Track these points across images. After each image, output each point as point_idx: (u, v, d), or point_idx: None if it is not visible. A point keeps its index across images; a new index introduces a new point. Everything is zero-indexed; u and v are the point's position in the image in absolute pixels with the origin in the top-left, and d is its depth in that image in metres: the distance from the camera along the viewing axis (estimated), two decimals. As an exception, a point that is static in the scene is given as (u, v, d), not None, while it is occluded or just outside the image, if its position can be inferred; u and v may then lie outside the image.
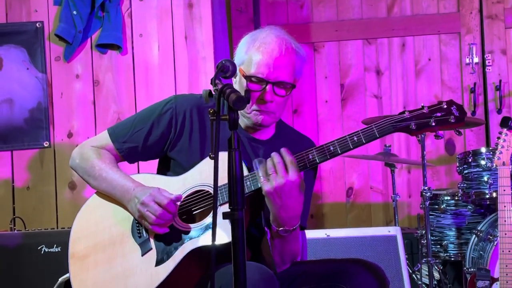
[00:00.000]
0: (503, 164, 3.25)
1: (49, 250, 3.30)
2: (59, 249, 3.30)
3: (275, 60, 2.14)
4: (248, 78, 2.14)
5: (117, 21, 4.01)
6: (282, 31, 2.22)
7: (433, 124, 1.97)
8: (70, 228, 2.24)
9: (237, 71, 2.18)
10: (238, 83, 2.21)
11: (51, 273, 3.10)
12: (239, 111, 2.17)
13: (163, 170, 2.31)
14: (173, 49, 4.06)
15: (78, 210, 2.27)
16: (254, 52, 2.16)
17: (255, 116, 2.17)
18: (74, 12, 3.97)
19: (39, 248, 3.30)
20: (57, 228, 3.93)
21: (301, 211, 2.03)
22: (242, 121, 2.25)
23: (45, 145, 4.05)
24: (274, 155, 1.99)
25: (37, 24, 4.07)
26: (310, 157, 2.02)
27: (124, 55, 4.07)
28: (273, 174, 1.95)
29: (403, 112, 2.01)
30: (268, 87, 2.13)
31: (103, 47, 4.05)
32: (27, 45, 4.06)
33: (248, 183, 2.04)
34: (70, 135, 4.06)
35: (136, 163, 2.49)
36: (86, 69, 4.07)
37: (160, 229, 2.06)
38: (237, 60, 2.22)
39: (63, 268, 2.72)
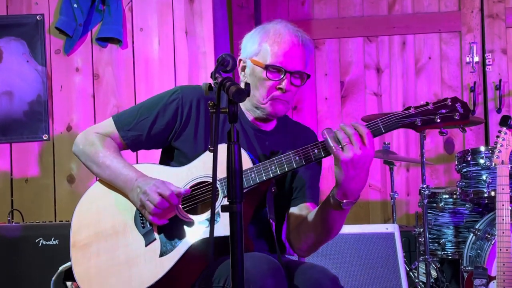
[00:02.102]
0: (502, 163, 3.24)
1: (47, 243, 3.30)
2: (56, 242, 3.30)
3: (292, 50, 2.18)
4: (267, 67, 2.17)
5: (118, 14, 4.01)
6: (291, 24, 2.24)
7: (438, 120, 1.98)
8: (68, 221, 2.23)
9: (247, 62, 2.23)
10: (250, 75, 2.23)
11: (49, 266, 3.11)
12: (252, 103, 2.21)
13: (166, 159, 2.31)
14: (173, 43, 4.06)
15: (76, 203, 2.26)
16: (271, 43, 2.19)
17: (271, 106, 2.20)
18: (75, 5, 3.96)
19: (36, 240, 3.30)
20: (55, 221, 3.93)
21: (365, 185, 2.01)
22: (252, 113, 2.27)
23: (44, 138, 4.04)
24: (345, 126, 1.94)
25: (37, 17, 4.06)
26: (316, 151, 2.02)
27: (124, 49, 4.06)
28: (349, 145, 1.91)
29: (408, 108, 2.01)
30: (286, 76, 2.16)
31: (103, 40, 4.04)
32: (27, 37, 4.06)
33: (253, 175, 2.04)
34: (69, 128, 4.06)
35: (134, 152, 2.48)
36: (86, 62, 4.07)
37: (159, 220, 2.05)
38: (247, 52, 2.25)
39: (60, 261, 2.73)
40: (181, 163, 2.21)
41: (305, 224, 2.17)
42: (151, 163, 2.26)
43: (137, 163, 2.26)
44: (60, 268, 2.45)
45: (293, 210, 2.28)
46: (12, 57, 4.07)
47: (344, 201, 1.99)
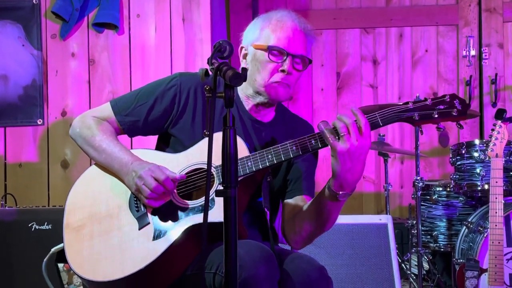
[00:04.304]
0: (496, 156, 3.25)
1: (40, 227, 3.30)
2: (49, 226, 3.30)
3: (294, 35, 2.18)
4: (269, 48, 2.17)
5: (115, 0, 3.99)
6: (293, 12, 2.25)
7: (436, 116, 1.99)
8: (62, 206, 2.23)
9: (249, 49, 2.23)
10: (252, 60, 2.22)
11: (41, 250, 3.10)
12: (254, 89, 2.21)
13: (162, 146, 2.31)
14: (170, 30, 4.04)
15: (70, 188, 2.26)
16: (273, 28, 2.19)
17: (273, 88, 2.19)
18: (72, -10, 3.95)
19: (29, 225, 3.30)
20: (49, 206, 3.93)
21: (361, 176, 2.02)
22: (252, 100, 2.26)
23: (39, 123, 4.03)
24: (343, 116, 1.94)
25: (33, 1, 4.04)
26: (313, 142, 2.02)
27: (120, 35, 4.05)
28: (346, 135, 1.90)
29: (406, 103, 2.02)
30: (288, 58, 2.17)
31: (99, 26, 4.03)
32: (23, 21, 4.04)
33: (249, 163, 2.04)
34: (64, 113, 4.05)
35: (129, 138, 2.48)
36: (82, 47, 4.05)
37: (155, 203, 2.06)
38: (248, 39, 2.25)
39: (53, 245, 2.72)
40: (177, 151, 2.21)
41: (300, 216, 2.18)
42: (148, 149, 2.26)
43: (131, 148, 2.24)
44: (52, 250, 2.44)
45: (289, 202, 2.29)
46: (7, 40, 4.05)
47: (340, 192, 1.99)
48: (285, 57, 2.16)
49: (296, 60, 2.19)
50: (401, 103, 2.03)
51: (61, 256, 2.17)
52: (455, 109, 1.99)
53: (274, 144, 2.20)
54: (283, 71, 2.17)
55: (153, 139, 2.41)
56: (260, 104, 2.26)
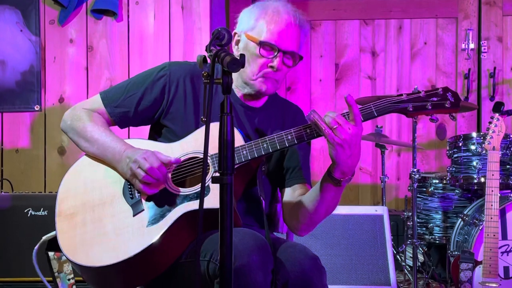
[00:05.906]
0: (493, 149, 3.26)
1: (36, 213, 3.30)
2: (45, 212, 3.30)
3: (288, 30, 2.18)
4: (261, 44, 2.17)
5: (114, -13, 3.98)
6: (290, 4, 2.24)
7: (429, 107, 2.04)
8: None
9: (242, 37, 2.22)
10: (243, 49, 2.23)
11: (37, 236, 3.10)
12: (242, 79, 2.20)
13: (154, 136, 2.30)
14: (169, 18, 4.03)
15: (66, 175, 2.27)
16: (267, 20, 2.19)
17: (260, 83, 2.21)
18: (71, -24, 3.93)
19: (25, 211, 3.30)
20: (45, 192, 3.93)
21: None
22: (241, 90, 2.26)
23: (36, 109, 4.03)
24: (328, 113, 1.99)
25: (32, -14, 4.03)
26: (308, 131, 2.04)
27: (119, 22, 4.04)
28: (339, 127, 1.96)
29: (400, 95, 2.06)
30: (279, 55, 2.17)
31: (98, 12, 4.02)
32: (21, 7, 4.02)
33: (244, 152, 2.05)
34: (61, 100, 4.04)
35: (126, 129, 2.48)
36: (80, 34, 4.04)
37: (150, 189, 2.05)
38: (242, 26, 2.24)
39: (49, 231, 2.72)
40: (170, 140, 2.21)
41: (302, 204, 2.19)
42: (141, 139, 2.25)
43: (129, 138, 2.24)
44: (43, 238, 2.42)
45: (288, 191, 2.31)
46: (5, 26, 4.04)
47: (344, 178, 2.04)
48: (276, 53, 2.17)
49: (286, 56, 2.20)
50: (395, 95, 2.07)
51: (51, 244, 2.15)
52: (448, 101, 2.04)
53: (267, 129, 2.21)
54: (272, 67, 2.18)
55: (148, 130, 2.41)
56: (247, 95, 2.26)
